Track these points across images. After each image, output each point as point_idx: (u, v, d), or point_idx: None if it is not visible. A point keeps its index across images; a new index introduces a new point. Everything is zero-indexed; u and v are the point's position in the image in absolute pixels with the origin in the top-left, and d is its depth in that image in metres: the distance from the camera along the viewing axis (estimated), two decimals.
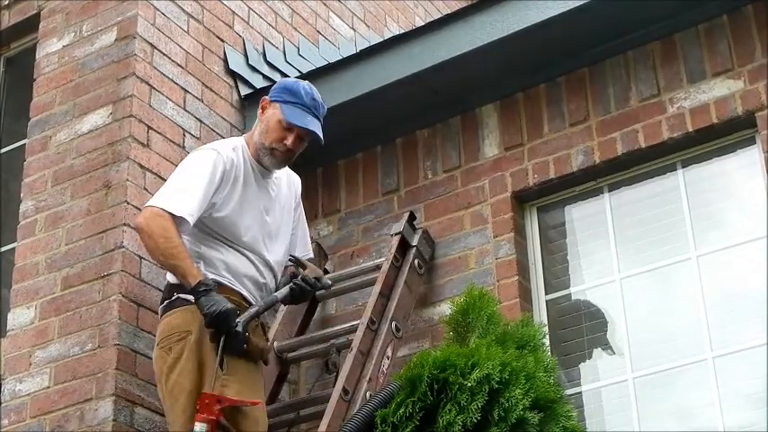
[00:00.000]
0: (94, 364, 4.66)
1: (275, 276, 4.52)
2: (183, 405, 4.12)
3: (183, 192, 4.30)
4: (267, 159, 4.50)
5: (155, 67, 5.26)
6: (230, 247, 4.39)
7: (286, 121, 4.44)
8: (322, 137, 4.52)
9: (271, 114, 4.49)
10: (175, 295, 4.30)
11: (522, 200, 5.19)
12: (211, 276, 4.27)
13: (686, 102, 4.88)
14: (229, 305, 4.12)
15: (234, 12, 5.87)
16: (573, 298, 5.03)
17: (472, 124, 5.41)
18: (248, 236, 4.42)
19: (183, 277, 4.19)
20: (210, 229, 4.39)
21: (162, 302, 4.40)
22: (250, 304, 4.32)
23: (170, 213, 4.22)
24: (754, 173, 4.76)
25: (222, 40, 5.72)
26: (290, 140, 4.46)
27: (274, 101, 4.51)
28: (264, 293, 4.43)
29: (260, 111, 4.55)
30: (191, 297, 4.20)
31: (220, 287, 4.27)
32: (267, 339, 4.54)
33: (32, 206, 5.17)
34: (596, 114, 5.10)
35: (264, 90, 5.72)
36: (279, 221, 4.56)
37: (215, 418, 4.01)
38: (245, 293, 4.37)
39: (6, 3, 5.84)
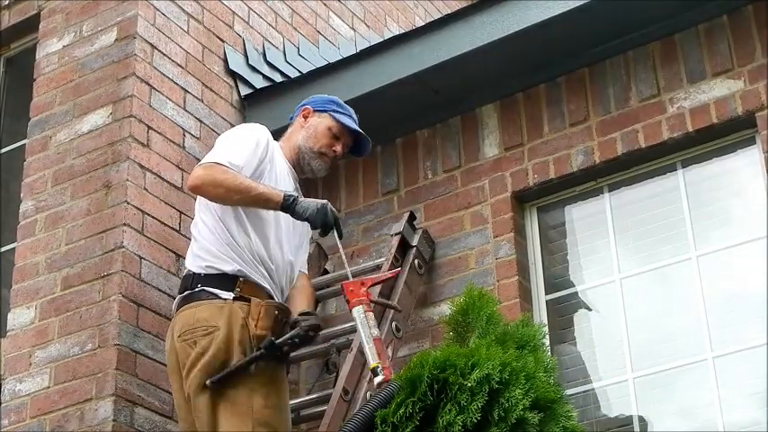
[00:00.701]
0: (94, 364, 4.66)
1: (292, 281, 4.50)
2: (207, 401, 4.08)
3: (230, 148, 4.38)
4: (316, 163, 4.62)
5: (155, 68, 5.26)
6: (263, 239, 4.37)
7: (344, 127, 4.64)
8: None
9: (318, 122, 4.65)
10: (200, 287, 4.24)
11: (522, 200, 5.19)
12: (238, 269, 4.25)
13: (686, 102, 4.89)
14: (320, 201, 4.28)
15: (234, 12, 5.87)
16: (573, 298, 5.03)
17: (472, 124, 5.42)
18: (280, 227, 4.42)
19: (267, 201, 4.27)
20: (247, 219, 4.35)
21: (181, 292, 4.30)
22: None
23: (219, 163, 4.29)
24: (754, 173, 4.76)
25: (222, 40, 5.72)
26: (338, 147, 4.64)
27: (321, 110, 4.68)
28: (279, 294, 4.40)
29: (301, 119, 4.68)
30: (218, 291, 4.19)
31: (247, 283, 4.25)
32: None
33: (32, 206, 5.17)
34: (596, 114, 5.10)
35: (264, 90, 5.73)
36: (300, 228, 4.54)
37: (366, 297, 4.11)
38: (275, 294, 4.35)
39: (6, 3, 5.84)
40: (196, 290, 4.25)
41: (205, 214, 4.37)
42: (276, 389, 4.20)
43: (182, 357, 4.17)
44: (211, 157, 4.36)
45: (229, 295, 4.21)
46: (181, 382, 4.21)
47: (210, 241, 4.30)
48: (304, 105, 4.72)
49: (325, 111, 4.68)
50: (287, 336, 4.19)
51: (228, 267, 4.25)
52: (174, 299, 4.40)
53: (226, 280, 4.23)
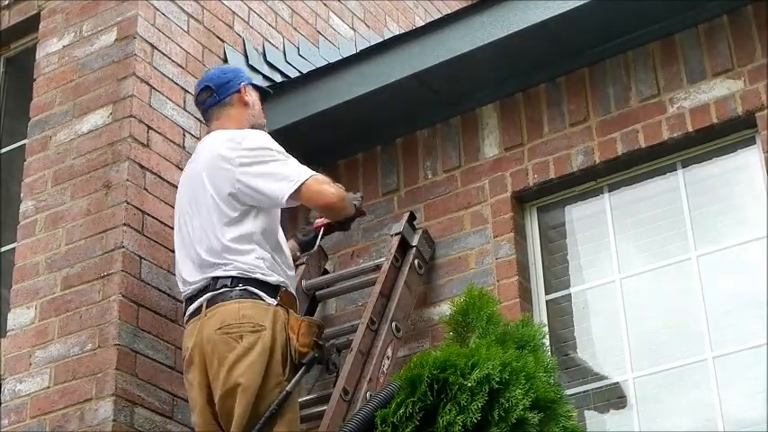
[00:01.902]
0: (94, 364, 4.66)
1: None
2: (249, 397, 4.14)
3: (291, 159, 4.53)
4: None
5: (155, 68, 5.26)
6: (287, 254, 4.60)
7: (264, 93, 4.87)
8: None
9: (254, 97, 4.77)
10: (241, 286, 4.29)
11: (522, 200, 5.19)
12: (282, 280, 4.42)
13: (686, 102, 4.88)
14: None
15: (234, 12, 5.87)
16: (573, 298, 5.03)
17: (472, 124, 5.41)
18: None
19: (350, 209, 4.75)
20: (280, 233, 4.55)
21: (217, 289, 4.30)
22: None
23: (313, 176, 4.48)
24: (754, 173, 4.76)
25: (222, 41, 5.72)
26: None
27: (248, 84, 4.77)
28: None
29: (245, 97, 4.72)
30: (262, 293, 4.28)
31: (287, 293, 4.41)
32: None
33: (32, 206, 5.17)
34: (596, 114, 5.10)
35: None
36: None
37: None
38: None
39: (6, 3, 5.84)
40: (237, 288, 4.29)
41: (245, 225, 4.41)
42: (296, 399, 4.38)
43: (221, 349, 4.19)
44: (304, 171, 4.45)
45: (273, 301, 4.31)
46: (204, 378, 4.23)
47: (258, 252, 4.37)
48: (230, 81, 4.71)
49: (250, 83, 4.78)
50: (322, 357, 4.39)
51: (273, 279, 4.37)
52: (179, 299, 4.41)
53: (268, 287, 4.34)
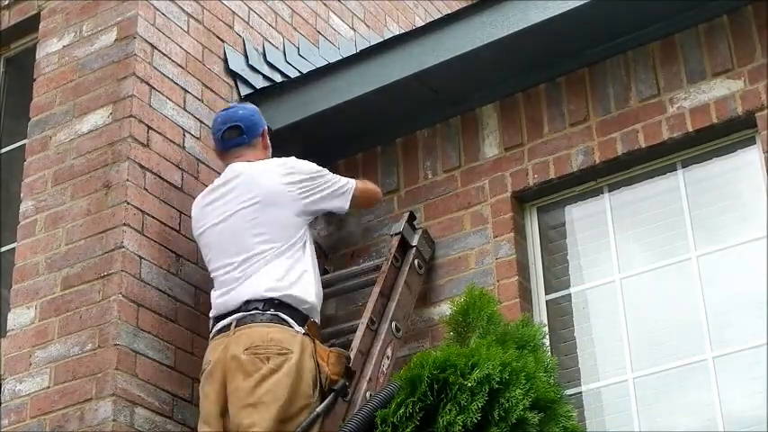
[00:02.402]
0: (94, 364, 4.66)
1: None
2: (274, 413, 4.27)
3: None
4: None
5: (155, 68, 5.26)
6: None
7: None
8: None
9: (268, 140, 5.09)
10: (272, 311, 4.48)
11: (522, 200, 5.20)
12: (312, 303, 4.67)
13: (686, 102, 4.89)
14: None
15: (234, 12, 5.86)
16: (573, 298, 5.03)
17: (472, 124, 5.42)
18: None
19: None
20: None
21: (249, 310, 4.50)
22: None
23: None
24: (754, 173, 4.76)
25: (222, 41, 5.72)
26: None
27: (265, 127, 5.09)
28: None
29: (267, 141, 5.06)
30: (290, 320, 4.47)
31: (314, 324, 4.62)
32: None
33: (32, 206, 5.17)
34: (596, 114, 5.10)
35: (264, 90, 5.73)
36: None
37: None
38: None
39: (6, 3, 5.83)
40: (269, 311, 4.49)
41: (299, 251, 4.72)
42: None
43: (248, 368, 4.38)
44: (348, 182, 5.03)
45: (300, 329, 4.49)
46: (222, 392, 4.41)
47: (308, 281, 4.65)
48: (257, 124, 5.01)
49: (264, 126, 5.09)
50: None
51: (305, 306, 4.60)
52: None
53: (297, 315, 4.53)
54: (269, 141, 5.06)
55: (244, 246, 4.66)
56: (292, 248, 4.68)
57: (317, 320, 4.66)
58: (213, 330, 4.60)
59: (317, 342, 4.54)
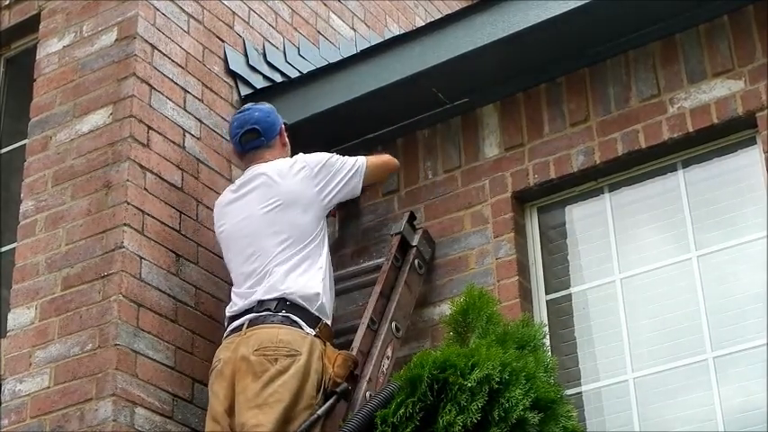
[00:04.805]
0: (94, 364, 4.66)
1: None
2: (278, 414, 4.30)
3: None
4: None
5: (155, 68, 5.26)
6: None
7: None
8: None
9: (286, 137, 5.13)
10: (283, 312, 4.52)
11: (522, 200, 5.20)
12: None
13: (687, 102, 4.88)
14: None
15: (234, 12, 5.86)
16: (573, 298, 5.03)
17: (472, 124, 5.42)
18: None
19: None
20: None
21: (261, 311, 4.54)
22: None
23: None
24: (755, 173, 4.76)
25: (222, 41, 5.72)
26: None
27: (281, 124, 5.12)
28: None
29: (285, 139, 5.10)
30: (301, 322, 4.49)
31: (327, 327, 4.64)
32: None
33: (32, 206, 5.17)
34: (596, 114, 5.10)
35: (264, 90, 5.73)
36: None
37: None
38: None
39: (6, 3, 5.83)
40: (280, 313, 4.53)
41: (314, 250, 4.74)
42: None
43: (257, 369, 4.42)
44: (361, 159, 5.06)
45: (311, 331, 4.51)
46: (230, 391, 4.45)
47: (322, 281, 4.67)
48: (274, 124, 5.03)
49: (284, 123, 5.12)
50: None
51: (327, 319, 4.63)
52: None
53: (310, 317, 4.55)
54: (287, 138, 5.10)
55: (261, 246, 4.70)
56: (308, 247, 4.72)
57: (329, 320, 4.67)
58: (227, 330, 4.66)
59: (329, 344, 4.58)
